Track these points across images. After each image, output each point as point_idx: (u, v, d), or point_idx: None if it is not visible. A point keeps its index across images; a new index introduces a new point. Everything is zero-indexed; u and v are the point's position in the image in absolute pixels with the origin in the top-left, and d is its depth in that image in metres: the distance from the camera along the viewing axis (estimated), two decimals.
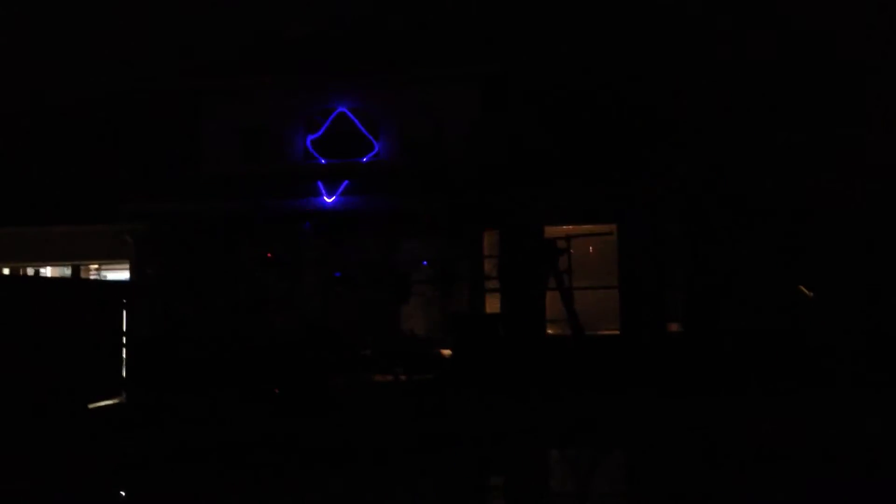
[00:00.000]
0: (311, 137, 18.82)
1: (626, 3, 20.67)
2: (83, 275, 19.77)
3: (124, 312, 15.37)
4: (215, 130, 18.98)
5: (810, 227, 14.16)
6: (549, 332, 16.69)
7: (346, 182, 17.81)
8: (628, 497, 9.61)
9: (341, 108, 18.88)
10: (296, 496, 9.42)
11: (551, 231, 17.02)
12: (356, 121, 18.77)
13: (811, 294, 14.17)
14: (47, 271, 19.82)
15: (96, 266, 20.32)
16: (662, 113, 17.24)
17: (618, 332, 17.06)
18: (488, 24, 21.05)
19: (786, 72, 16.03)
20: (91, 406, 13.78)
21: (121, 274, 19.45)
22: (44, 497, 9.46)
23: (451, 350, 16.12)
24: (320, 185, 17.71)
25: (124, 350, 15.20)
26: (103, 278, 20.10)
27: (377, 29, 20.56)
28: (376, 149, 18.67)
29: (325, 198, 17.51)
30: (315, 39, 20.23)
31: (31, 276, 18.85)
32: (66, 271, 19.74)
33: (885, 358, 13.30)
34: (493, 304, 17.43)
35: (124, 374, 15.13)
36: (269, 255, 16.72)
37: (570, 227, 17.25)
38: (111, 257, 19.00)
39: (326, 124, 18.82)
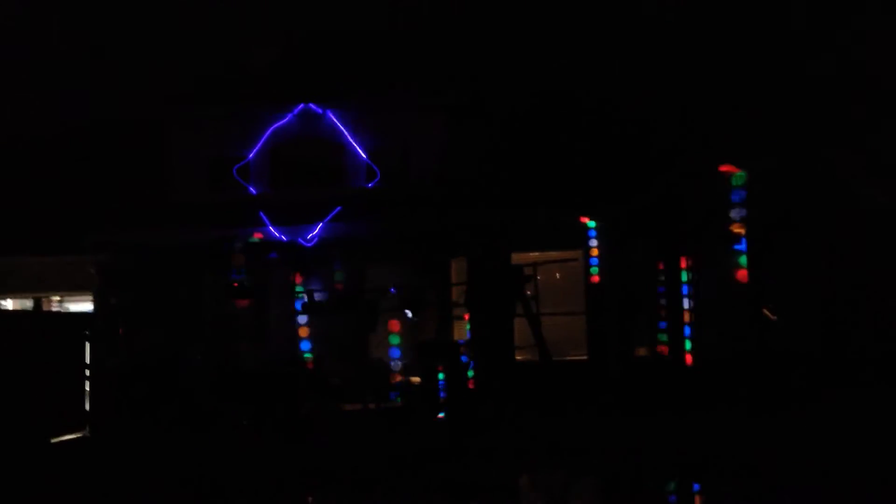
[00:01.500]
0: (275, 165, 18.83)
1: (594, 27, 20.96)
2: (45, 307, 19.45)
3: (87, 344, 15.14)
4: (181, 160, 18.89)
5: (779, 249, 14.39)
6: (518, 357, 16.74)
7: (312, 210, 17.81)
8: None
9: (308, 136, 18.91)
10: None
11: (518, 257, 17.13)
12: (323, 148, 18.82)
13: (775, 317, 14.37)
14: (8, 303, 19.47)
15: (58, 297, 20.01)
16: (629, 139, 17.49)
17: (585, 358, 17.17)
18: (455, 49, 21.24)
19: (751, 90, 16.31)
20: (54, 440, 13.51)
21: (84, 305, 19.17)
22: None
23: (419, 377, 16.10)
24: (285, 214, 17.69)
25: (87, 382, 14.95)
26: (65, 310, 19.79)
27: (343, 56, 20.64)
28: (345, 176, 18.72)
29: (290, 226, 17.48)
30: (280, 67, 20.26)
31: None
32: (28, 303, 19.42)
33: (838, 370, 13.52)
34: (461, 331, 17.46)
35: (87, 406, 14.87)
36: (234, 284, 16.59)
37: (537, 253, 17.39)
38: (74, 289, 18.74)
39: (293, 152, 18.84)
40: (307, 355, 17.20)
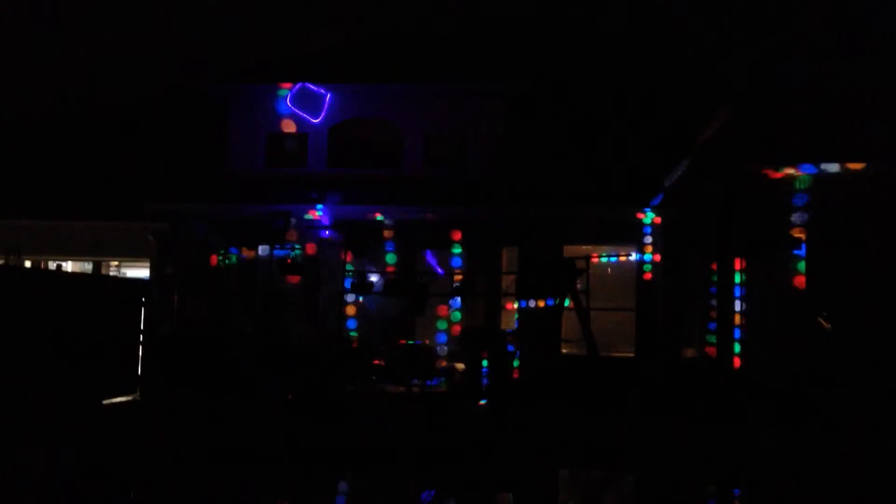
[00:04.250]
0: (335, 145, 18.97)
1: (659, 25, 20.69)
2: (103, 271, 19.93)
3: (142, 310, 15.48)
4: (241, 135, 19.14)
5: (838, 256, 14.04)
6: (564, 350, 16.65)
7: (367, 191, 17.91)
8: None
9: (367, 118, 19.00)
10: (304, 499, 9.45)
11: (571, 250, 17.02)
12: (381, 131, 18.90)
13: (829, 326, 14.02)
14: (68, 266, 19.99)
15: (116, 263, 20.48)
16: (687, 138, 17.21)
17: (632, 355, 17.02)
18: (518, 40, 21.14)
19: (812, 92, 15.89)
20: (105, 402, 13.87)
21: (140, 272, 19.59)
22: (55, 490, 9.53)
23: (463, 364, 16.12)
24: (341, 194, 17.80)
25: (141, 348, 15.30)
26: (123, 275, 20.25)
27: (405, 40, 20.67)
28: (401, 160, 18.78)
29: (345, 206, 17.60)
30: (342, 49, 20.37)
31: (51, 271, 19.03)
32: (87, 267, 19.90)
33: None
34: (508, 321, 17.45)
35: (140, 371, 15.22)
36: (288, 260, 16.78)
37: (590, 247, 17.26)
38: (132, 255, 19.15)
39: (351, 133, 18.96)
40: (353, 334, 17.36)
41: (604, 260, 17.40)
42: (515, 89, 18.63)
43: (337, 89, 18.91)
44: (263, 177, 18.76)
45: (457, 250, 17.64)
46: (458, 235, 17.62)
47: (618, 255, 17.34)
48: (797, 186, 14.33)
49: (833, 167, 14.11)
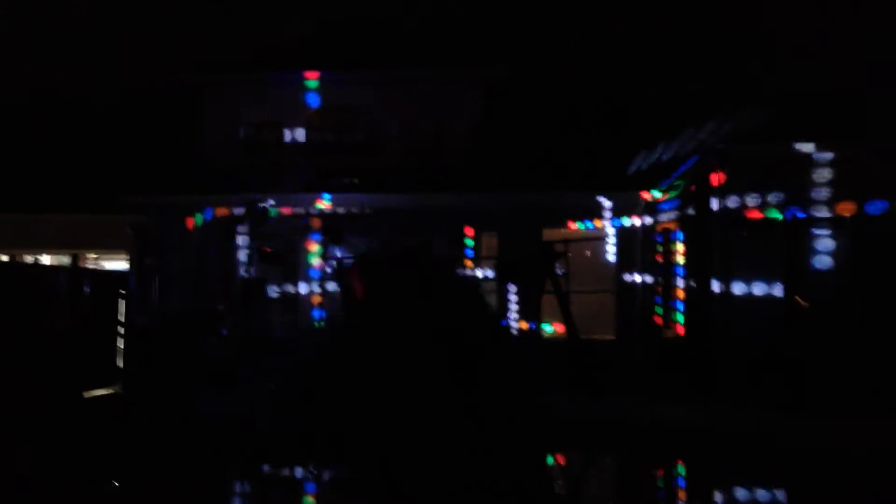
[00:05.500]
0: (310, 134, 18.93)
1: (630, 9, 20.77)
2: (81, 264, 19.81)
3: (121, 302, 15.43)
4: (218, 125, 19.05)
5: (814, 237, 14.19)
6: (545, 334, 16.74)
7: (344, 180, 17.89)
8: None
9: (343, 106, 18.96)
10: (289, 489, 9.49)
11: (549, 234, 17.09)
12: (358, 119, 18.87)
13: (806, 304, 14.20)
14: (46, 259, 19.85)
15: (95, 256, 20.37)
16: (663, 117, 17.32)
17: (613, 338, 17.14)
18: (493, 25, 21.14)
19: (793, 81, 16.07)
20: (86, 395, 13.82)
21: (119, 264, 19.50)
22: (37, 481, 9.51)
23: None
24: (318, 182, 17.78)
25: (120, 340, 15.25)
26: (101, 268, 20.14)
27: (380, 27, 20.63)
28: (379, 147, 18.77)
29: (322, 193, 17.57)
30: (319, 36, 20.30)
31: (29, 264, 18.89)
32: (65, 260, 19.78)
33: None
34: None
35: (120, 363, 15.18)
36: (267, 249, 16.74)
37: (568, 230, 17.33)
38: (110, 247, 19.07)
39: (328, 121, 18.92)
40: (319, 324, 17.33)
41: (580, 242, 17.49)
42: (493, 75, 18.65)
43: (312, 78, 18.84)
44: (240, 167, 18.68)
45: (435, 237, 17.64)
46: (436, 221, 17.63)
47: (597, 238, 17.42)
48: (770, 165, 14.47)
49: (807, 147, 14.26)
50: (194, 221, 17.51)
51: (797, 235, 14.38)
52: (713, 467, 10.77)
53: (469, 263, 17.34)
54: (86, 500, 9.17)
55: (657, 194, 16.87)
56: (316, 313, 17.38)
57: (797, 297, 14.27)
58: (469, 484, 9.72)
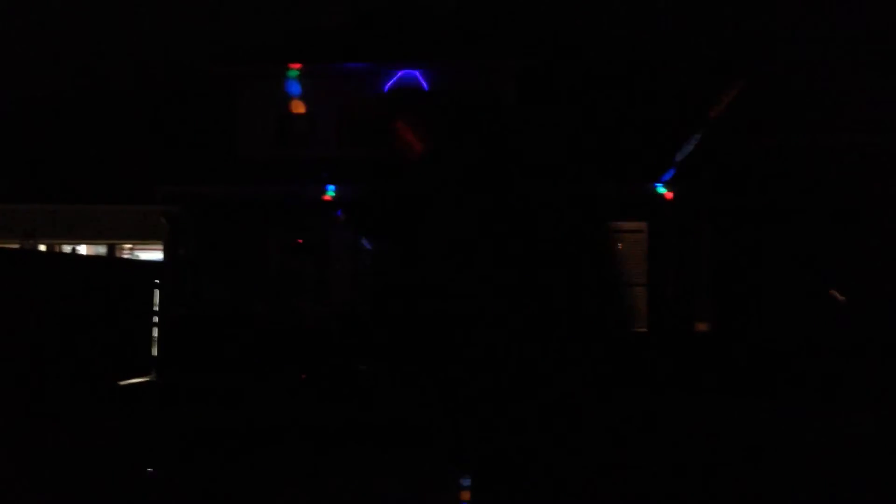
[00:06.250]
0: (344, 124, 18.98)
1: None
2: (117, 254, 20.08)
3: (156, 292, 15.61)
4: (251, 115, 19.17)
5: (845, 231, 13.97)
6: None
7: (377, 170, 17.91)
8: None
9: (376, 96, 18.97)
10: (317, 480, 9.55)
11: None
12: (389, 109, 18.85)
13: (843, 298, 14.01)
14: (82, 249, 20.14)
15: (130, 246, 20.63)
16: (699, 113, 17.11)
17: (645, 330, 17.03)
18: (526, 13, 21.00)
19: (842, 68, 15.72)
20: (122, 383, 14.02)
21: (154, 254, 19.73)
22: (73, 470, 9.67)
23: None
24: (351, 172, 17.82)
25: (155, 330, 15.45)
26: (136, 258, 20.40)
27: (413, 17, 20.58)
28: (411, 138, 18.75)
29: (355, 184, 17.61)
30: (349, 27, 20.31)
31: (67, 254, 19.18)
32: (101, 250, 20.06)
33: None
34: None
35: (155, 353, 15.38)
36: (299, 240, 16.87)
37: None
38: (145, 237, 19.28)
39: (360, 112, 18.95)
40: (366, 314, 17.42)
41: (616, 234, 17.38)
42: (524, 65, 18.56)
43: (345, 68, 18.88)
44: (274, 157, 18.79)
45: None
46: (470, 213, 17.60)
47: (629, 231, 17.30)
48: (804, 157, 14.27)
49: (841, 139, 14.03)
50: (228, 212, 17.68)
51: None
52: None
53: None
54: (123, 481, 9.32)
55: (682, 188, 16.68)
56: (349, 303, 17.45)
57: (832, 291, 14.08)
58: None
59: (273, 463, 10.31)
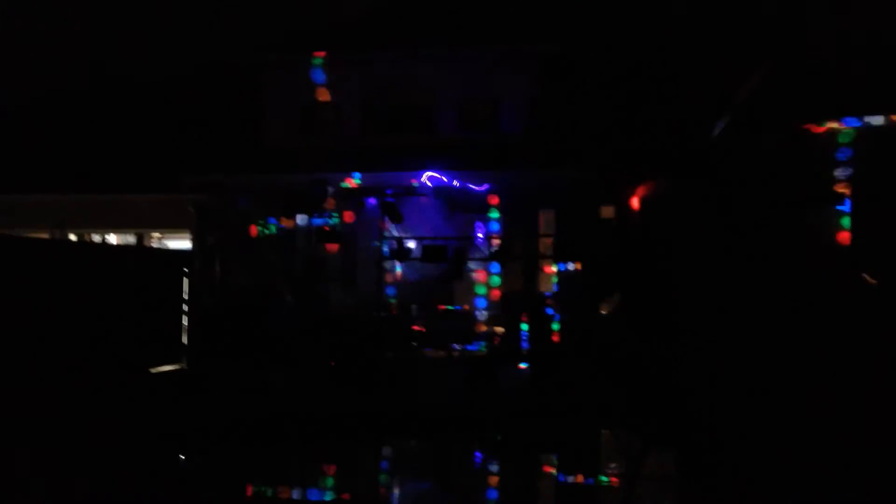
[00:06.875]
0: (369, 112, 18.98)
1: None
2: (146, 243, 20.25)
3: (185, 281, 15.74)
4: (277, 105, 19.22)
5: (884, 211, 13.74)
6: (602, 312, 16.59)
7: (402, 158, 17.90)
8: None
9: (399, 84, 18.94)
10: (346, 464, 9.61)
11: (608, 212, 16.89)
12: (414, 97, 18.83)
13: (875, 282, 13.78)
14: (112, 238, 20.33)
15: (159, 235, 20.78)
16: (725, 95, 16.88)
17: None
18: (550, 2, 20.84)
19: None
20: (153, 371, 14.18)
21: (182, 243, 19.87)
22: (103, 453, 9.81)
23: (503, 328, 16.19)
24: (376, 161, 17.83)
25: (185, 318, 15.58)
26: (165, 247, 20.56)
27: (437, 5, 20.48)
28: (436, 125, 18.73)
29: (381, 173, 17.62)
30: (373, 15, 20.25)
31: (97, 243, 19.38)
32: (131, 239, 20.24)
33: None
34: (547, 284, 17.41)
35: (185, 341, 15.52)
36: (326, 228, 16.90)
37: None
38: (173, 227, 19.41)
39: (385, 100, 18.94)
40: (392, 301, 17.48)
41: None
42: (549, 50, 18.43)
43: (369, 56, 18.86)
44: (300, 146, 18.83)
45: (494, 214, 17.58)
46: (494, 199, 17.56)
47: None
48: (841, 140, 14.04)
49: (877, 120, 13.79)
50: (255, 200, 17.76)
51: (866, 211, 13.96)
52: None
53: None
54: (155, 464, 9.43)
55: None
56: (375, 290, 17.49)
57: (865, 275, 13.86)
58: None
59: (300, 450, 10.38)
